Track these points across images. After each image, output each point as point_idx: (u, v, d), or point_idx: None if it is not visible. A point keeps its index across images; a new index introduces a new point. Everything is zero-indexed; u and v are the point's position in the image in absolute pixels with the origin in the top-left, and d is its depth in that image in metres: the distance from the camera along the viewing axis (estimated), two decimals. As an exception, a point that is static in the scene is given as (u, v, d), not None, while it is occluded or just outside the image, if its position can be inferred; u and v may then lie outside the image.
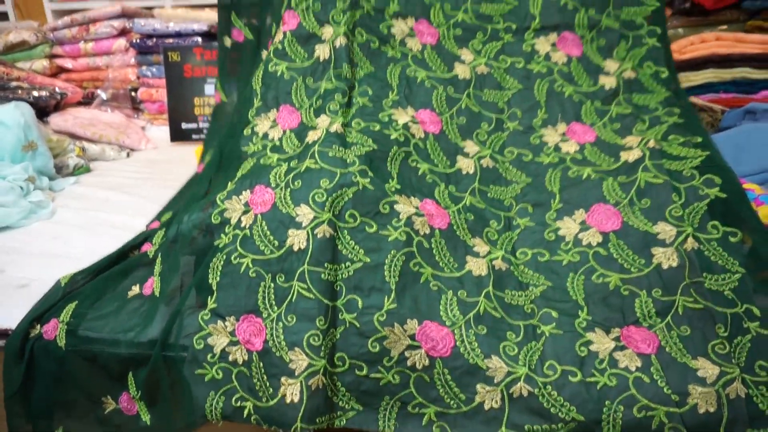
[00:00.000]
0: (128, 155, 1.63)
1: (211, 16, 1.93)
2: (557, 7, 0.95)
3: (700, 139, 0.81)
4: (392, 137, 0.81)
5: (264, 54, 0.92)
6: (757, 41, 1.36)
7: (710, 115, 1.23)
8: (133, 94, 1.97)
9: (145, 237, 0.88)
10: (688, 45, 1.39)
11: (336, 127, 0.80)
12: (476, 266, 0.75)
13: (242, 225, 0.73)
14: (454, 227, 0.78)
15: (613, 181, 0.80)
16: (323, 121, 0.83)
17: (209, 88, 1.71)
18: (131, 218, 1.11)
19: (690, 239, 0.71)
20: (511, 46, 0.94)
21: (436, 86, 0.89)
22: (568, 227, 0.78)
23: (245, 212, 0.75)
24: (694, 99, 1.33)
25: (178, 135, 1.73)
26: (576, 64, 0.93)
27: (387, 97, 0.87)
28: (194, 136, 1.73)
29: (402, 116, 0.85)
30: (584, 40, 0.94)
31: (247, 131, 0.86)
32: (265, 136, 0.85)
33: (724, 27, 1.62)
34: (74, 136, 1.59)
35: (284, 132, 0.84)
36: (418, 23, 0.92)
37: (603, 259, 0.73)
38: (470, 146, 0.87)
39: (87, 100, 1.91)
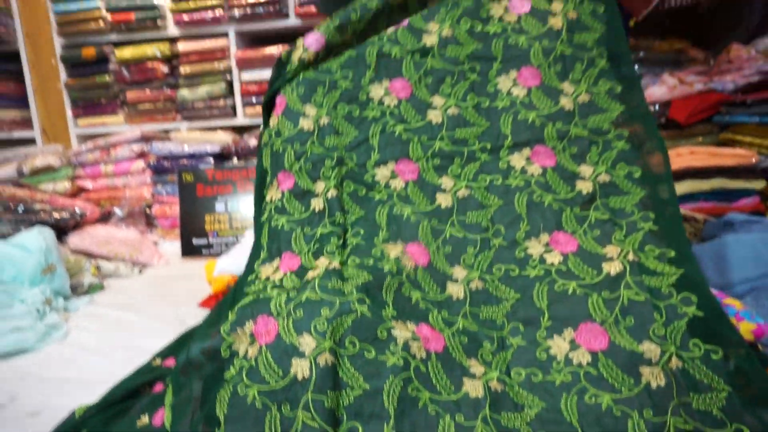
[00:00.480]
0: (140, 271, 1.70)
1: (223, 138, 2.08)
2: (526, 125, 1.02)
3: (673, 254, 0.86)
4: (385, 269, 0.87)
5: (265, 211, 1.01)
6: (729, 154, 1.46)
7: (693, 225, 1.30)
8: (147, 210, 2.08)
9: (158, 375, 0.91)
10: (666, 159, 1.49)
11: (334, 265, 0.87)
12: (472, 388, 0.78)
13: (248, 356, 0.77)
14: (450, 350, 0.82)
15: (598, 297, 0.84)
16: (322, 262, 0.90)
17: (219, 206, 1.82)
18: (143, 339, 1.15)
19: (674, 358, 0.74)
20: (488, 165, 1.02)
21: (421, 220, 0.96)
22: (558, 346, 0.81)
23: (251, 343, 0.79)
24: (676, 208, 1.41)
25: (189, 250, 1.81)
26: (551, 173, 0.99)
27: (378, 236, 0.94)
28: (204, 252, 1.80)
29: (393, 250, 0.92)
30: (556, 150, 1.00)
31: (251, 277, 0.93)
32: (267, 278, 0.92)
33: (700, 139, 1.74)
34: (90, 255, 1.66)
35: (285, 273, 0.91)
36: (398, 164, 1.01)
37: (594, 379, 0.76)
38: (458, 272, 0.92)
39: (104, 218, 2.01)
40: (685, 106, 1.72)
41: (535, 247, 0.92)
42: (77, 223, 1.82)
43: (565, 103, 1.02)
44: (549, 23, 1.07)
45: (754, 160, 1.46)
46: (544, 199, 0.96)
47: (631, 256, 0.86)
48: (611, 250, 0.89)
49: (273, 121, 1.06)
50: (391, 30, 1.10)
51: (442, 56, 1.07)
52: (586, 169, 0.98)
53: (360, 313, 0.79)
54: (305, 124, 1.04)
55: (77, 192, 2.17)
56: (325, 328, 0.77)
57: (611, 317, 0.81)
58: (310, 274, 0.88)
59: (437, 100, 1.05)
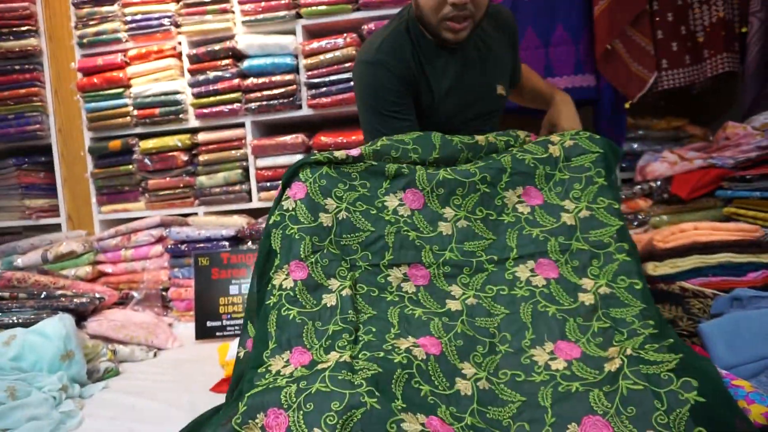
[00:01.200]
0: (155, 355, 1.72)
1: (238, 221, 2.16)
2: (530, 239, 1.09)
3: (672, 341, 0.87)
4: (395, 360, 0.89)
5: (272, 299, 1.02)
6: (733, 229, 1.48)
7: (701, 301, 1.30)
8: (163, 293, 2.13)
9: None
10: (670, 234, 1.52)
11: (345, 358, 0.88)
12: None
13: None
14: None
15: (599, 392, 0.84)
16: (333, 356, 0.92)
17: (233, 289, 1.86)
18: (155, 427, 1.16)
19: None
20: (495, 275, 1.06)
21: (433, 318, 1.00)
22: None
23: None
24: (685, 284, 1.42)
25: (203, 332, 1.83)
26: (555, 285, 1.03)
27: (389, 332, 0.97)
28: (218, 334, 1.83)
29: (404, 343, 0.94)
30: (559, 263, 1.05)
31: (261, 370, 0.95)
32: (278, 372, 0.93)
33: (704, 212, 1.77)
34: (107, 339, 1.69)
35: (296, 368, 0.93)
36: (411, 268, 1.05)
37: None
38: (468, 368, 0.94)
39: (122, 301, 2.06)
40: (687, 181, 1.77)
41: (540, 355, 0.95)
42: (96, 307, 1.86)
43: (567, 218, 1.08)
44: (549, 150, 1.17)
45: (758, 234, 1.48)
46: (548, 309, 1.00)
47: (629, 351, 0.88)
48: (612, 351, 0.91)
49: (289, 204, 1.09)
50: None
51: (454, 170, 1.15)
52: (587, 282, 1.02)
53: (370, 405, 0.80)
54: (325, 219, 1.07)
55: (98, 276, 2.24)
56: (335, 422, 0.77)
57: (612, 408, 0.81)
58: (321, 366, 0.90)
59: (448, 212, 1.12)
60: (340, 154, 1.13)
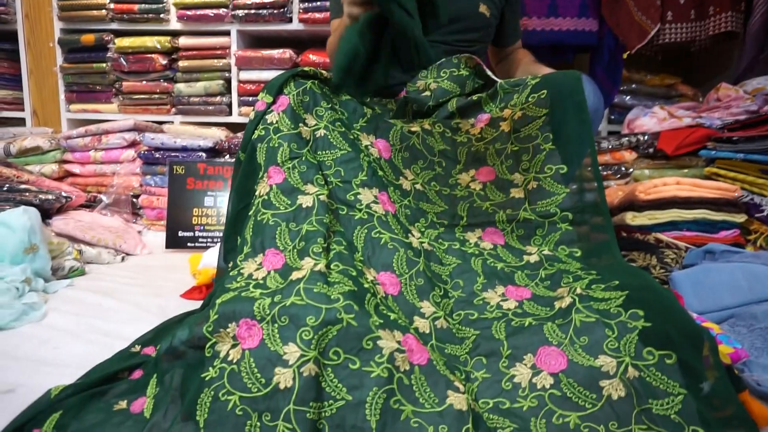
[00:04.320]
0: (123, 259, 1.68)
1: (217, 134, 2.08)
2: (480, 211, 1.12)
3: (617, 282, 0.89)
4: (365, 286, 0.88)
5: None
6: (713, 187, 1.50)
7: (675, 252, 1.32)
8: (134, 200, 2.06)
9: (138, 363, 0.90)
10: (652, 187, 1.53)
11: (320, 267, 0.86)
12: (457, 401, 0.78)
13: (230, 359, 0.76)
14: (434, 362, 0.83)
15: (552, 324, 0.87)
16: (308, 263, 0.89)
17: (208, 200, 1.81)
18: (122, 326, 1.14)
19: (630, 368, 0.76)
20: (446, 234, 1.10)
21: (398, 249, 0.98)
22: (521, 373, 0.82)
23: (234, 346, 0.77)
24: (660, 235, 1.45)
25: (173, 242, 1.79)
26: (501, 248, 1.08)
27: (355, 255, 0.96)
28: (189, 244, 1.79)
29: (368, 274, 0.94)
30: (505, 232, 1.09)
31: (233, 273, 0.92)
32: (250, 276, 0.91)
33: (686, 170, 1.79)
34: (73, 239, 1.64)
35: (269, 272, 0.90)
36: (380, 194, 1.05)
37: (558, 400, 0.77)
38: (426, 307, 0.95)
39: (89, 204, 1.99)
40: (674, 138, 1.77)
41: (492, 297, 0.98)
42: (62, 206, 1.79)
43: (515, 192, 1.11)
44: (501, 128, 1.16)
45: (736, 194, 1.51)
46: (497, 265, 1.04)
47: (579, 291, 0.90)
48: (561, 291, 0.94)
49: (273, 117, 1.06)
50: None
51: (423, 142, 1.16)
52: (531, 249, 1.06)
53: (346, 322, 0.79)
54: (305, 132, 1.06)
55: (64, 176, 2.15)
56: (310, 337, 0.76)
57: (566, 339, 0.84)
58: (295, 275, 0.87)
59: (408, 174, 1.14)
60: (327, 73, 1.12)
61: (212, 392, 0.72)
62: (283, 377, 0.73)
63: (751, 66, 1.95)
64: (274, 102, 1.07)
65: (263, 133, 1.05)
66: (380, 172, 1.09)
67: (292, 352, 0.75)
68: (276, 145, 1.03)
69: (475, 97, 1.20)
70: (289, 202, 0.98)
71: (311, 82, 1.09)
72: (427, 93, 1.22)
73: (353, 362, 0.76)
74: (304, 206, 0.97)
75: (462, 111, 1.21)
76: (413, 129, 1.16)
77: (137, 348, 1.00)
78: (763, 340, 0.98)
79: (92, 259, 1.62)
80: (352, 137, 1.09)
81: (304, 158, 1.03)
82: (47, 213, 1.73)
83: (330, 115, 1.08)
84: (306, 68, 1.12)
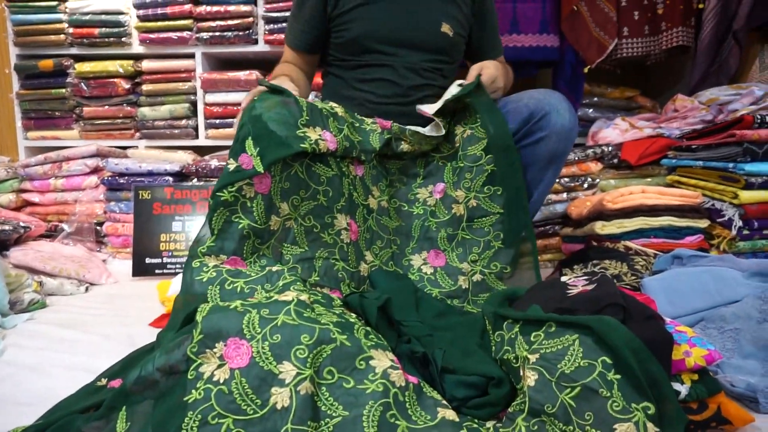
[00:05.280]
0: (87, 290, 1.62)
1: (183, 157, 2.04)
2: (427, 229, 1.26)
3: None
4: (350, 320, 0.90)
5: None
6: (677, 194, 1.55)
7: (644, 259, 1.35)
8: (97, 228, 2.00)
9: (104, 398, 0.85)
10: (619, 196, 1.57)
11: (303, 297, 0.86)
12: (449, 414, 0.78)
13: (216, 379, 0.72)
14: (422, 384, 0.82)
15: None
16: (290, 294, 0.88)
17: (177, 225, 1.77)
18: (88, 358, 1.08)
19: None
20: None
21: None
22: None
23: (220, 366, 0.74)
24: (629, 243, 1.48)
25: (140, 269, 1.74)
26: (440, 271, 1.24)
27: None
28: (157, 271, 1.74)
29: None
30: (446, 251, 1.23)
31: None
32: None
33: (649, 179, 1.84)
34: (33, 271, 1.57)
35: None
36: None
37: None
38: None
39: (50, 233, 1.92)
40: (636, 148, 1.82)
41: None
42: (20, 236, 1.72)
43: (456, 209, 1.22)
44: (455, 144, 1.26)
45: (698, 200, 1.55)
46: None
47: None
48: (465, 267, 1.20)
49: (249, 192, 1.00)
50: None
51: (377, 221, 1.23)
52: (466, 266, 1.21)
53: (340, 342, 0.78)
54: (274, 222, 1.06)
55: (22, 205, 2.07)
56: (305, 356, 0.75)
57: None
58: (280, 298, 0.85)
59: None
60: (303, 102, 1.10)
61: (199, 416, 0.69)
62: (280, 397, 0.71)
63: (704, 78, 2.03)
64: (258, 173, 0.99)
65: (232, 200, 0.98)
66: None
67: (288, 370, 0.73)
68: (246, 233, 0.99)
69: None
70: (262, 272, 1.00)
71: (297, 167, 1.06)
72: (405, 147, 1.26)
73: (347, 381, 0.76)
74: (275, 270, 1.00)
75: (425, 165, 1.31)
76: (371, 205, 1.21)
77: (103, 381, 0.95)
78: (734, 342, 1.00)
79: (54, 290, 1.55)
80: (319, 228, 1.10)
81: (264, 252, 1.04)
82: (4, 244, 1.66)
83: (305, 206, 1.08)
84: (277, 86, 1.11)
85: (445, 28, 1.31)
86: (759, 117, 1.50)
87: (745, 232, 1.49)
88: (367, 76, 1.30)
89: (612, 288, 0.90)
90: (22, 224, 1.74)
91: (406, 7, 1.29)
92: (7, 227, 1.68)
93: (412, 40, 1.29)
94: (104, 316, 1.37)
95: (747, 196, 1.48)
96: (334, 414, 0.72)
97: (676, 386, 0.79)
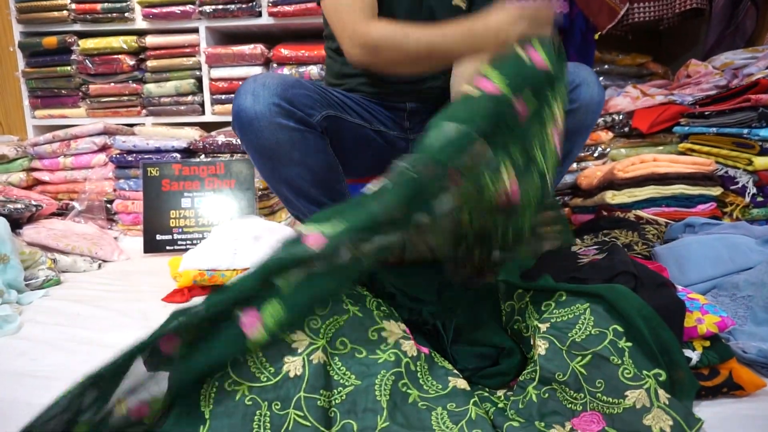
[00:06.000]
0: (100, 266, 1.63)
1: (191, 134, 2.04)
2: None
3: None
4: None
5: None
6: (689, 162, 1.52)
7: (656, 228, 1.34)
8: (108, 205, 2.01)
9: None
10: (630, 165, 1.55)
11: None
12: (460, 383, 0.79)
13: None
14: (433, 354, 0.83)
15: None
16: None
17: (186, 202, 1.77)
18: (104, 333, 1.10)
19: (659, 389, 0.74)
20: None
21: None
22: None
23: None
24: (640, 212, 1.46)
25: (151, 246, 1.75)
26: None
27: None
28: (168, 248, 1.75)
29: None
30: None
31: None
32: None
33: (661, 147, 1.81)
34: (46, 248, 1.59)
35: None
36: None
37: None
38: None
39: (61, 212, 1.93)
40: (648, 116, 1.79)
41: None
42: (32, 215, 1.74)
43: None
44: None
45: (711, 168, 1.53)
46: None
47: None
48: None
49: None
50: None
51: None
52: None
53: (352, 313, 0.79)
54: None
55: (33, 184, 2.09)
56: (318, 326, 0.75)
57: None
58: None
59: None
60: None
61: (216, 383, 0.70)
62: (293, 365, 0.72)
63: (719, 41, 1.98)
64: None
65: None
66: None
67: (300, 340, 0.74)
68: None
69: None
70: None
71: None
72: None
73: (359, 351, 0.77)
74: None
75: None
76: None
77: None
78: (746, 309, 1.00)
79: (67, 267, 1.57)
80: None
81: None
82: (17, 223, 1.68)
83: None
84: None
85: (457, 0, 1.21)
86: (776, 81, 1.46)
87: (759, 199, 1.47)
88: None
89: (623, 256, 0.90)
90: (33, 203, 1.75)
91: None
92: (19, 205, 1.69)
93: (426, 21, 1.11)
94: (117, 292, 1.39)
95: (762, 162, 1.45)
96: (346, 383, 0.73)
97: (687, 353, 0.79)
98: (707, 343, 0.81)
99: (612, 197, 1.52)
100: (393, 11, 1.13)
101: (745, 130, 1.47)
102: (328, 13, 1.11)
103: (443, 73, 1.20)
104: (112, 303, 1.30)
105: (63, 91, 2.24)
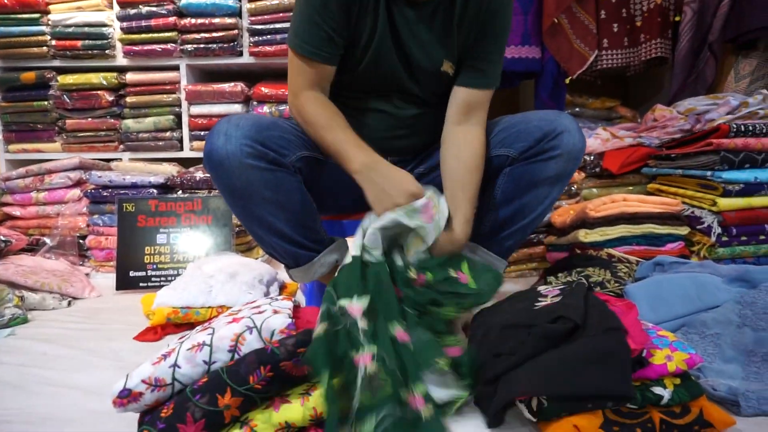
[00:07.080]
0: (70, 304, 1.59)
1: (168, 169, 2.03)
2: None
3: None
4: None
5: None
6: (658, 202, 1.58)
7: (627, 266, 1.37)
8: (80, 241, 1.97)
9: None
10: (601, 204, 1.59)
11: None
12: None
13: None
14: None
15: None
16: None
17: (161, 237, 1.75)
18: (72, 374, 1.07)
19: None
20: None
21: None
22: None
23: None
24: (612, 251, 1.50)
25: (124, 283, 1.72)
26: None
27: None
28: (141, 284, 1.72)
29: None
30: None
31: None
32: None
33: (631, 188, 1.87)
34: (14, 285, 1.55)
35: None
36: None
37: None
38: None
39: (31, 247, 1.89)
40: (618, 157, 1.85)
41: None
42: (1, 251, 1.70)
43: None
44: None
45: (678, 208, 1.58)
46: None
47: None
48: None
49: None
50: None
51: None
52: None
53: None
54: None
55: (3, 219, 2.04)
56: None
57: None
58: None
59: None
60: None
61: None
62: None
63: (682, 88, 2.08)
64: None
65: None
66: None
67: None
68: None
69: None
70: None
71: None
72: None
73: None
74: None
75: None
76: None
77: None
78: (714, 346, 1.02)
79: (36, 305, 1.53)
80: None
81: None
82: (-15, 259, 1.64)
83: None
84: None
85: (446, 66, 1.17)
86: (735, 126, 1.54)
87: (724, 238, 1.52)
88: (361, 105, 1.19)
89: (574, 300, 0.92)
90: (2, 238, 1.71)
91: (409, 47, 1.13)
92: (-13, 241, 1.65)
93: (410, 87, 1.17)
94: (87, 331, 1.35)
95: (725, 203, 1.51)
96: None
97: (659, 390, 0.80)
98: (678, 381, 0.82)
99: (585, 235, 1.56)
100: (379, 62, 1.12)
101: (709, 173, 1.54)
102: (288, 65, 1.14)
103: (420, 135, 1.23)
104: (81, 342, 1.26)
105: (38, 126, 2.22)
